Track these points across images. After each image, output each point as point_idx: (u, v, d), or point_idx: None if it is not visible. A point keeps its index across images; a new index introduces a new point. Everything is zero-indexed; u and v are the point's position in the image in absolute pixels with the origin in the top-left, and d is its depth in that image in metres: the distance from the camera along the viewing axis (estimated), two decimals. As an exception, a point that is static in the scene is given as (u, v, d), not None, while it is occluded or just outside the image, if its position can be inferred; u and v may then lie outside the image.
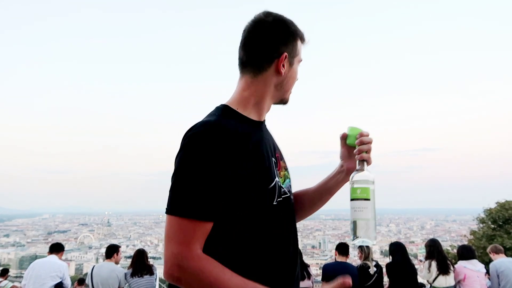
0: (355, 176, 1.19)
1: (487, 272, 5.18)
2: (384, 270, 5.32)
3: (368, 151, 1.24)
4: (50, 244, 5.57)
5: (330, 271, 5.03)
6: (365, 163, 1.22)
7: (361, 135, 1.25)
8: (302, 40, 1.28)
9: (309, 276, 4.94)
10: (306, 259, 5.64)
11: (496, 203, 16.05)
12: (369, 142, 1.25)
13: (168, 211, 1.02)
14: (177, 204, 1.02)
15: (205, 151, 1.03)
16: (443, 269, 4.98)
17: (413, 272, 5.18)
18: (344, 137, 1.32)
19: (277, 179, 1.16)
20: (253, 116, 1.21)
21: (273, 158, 1.19)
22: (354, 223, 1.15)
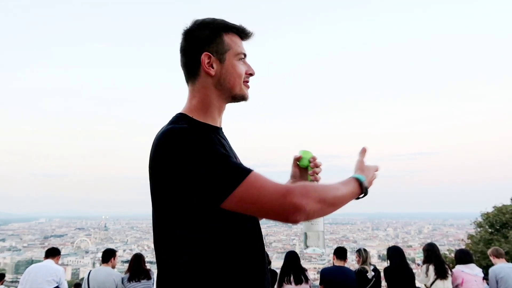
0: None
1: (485, 277, 5.18)
2: (382, 274, 5.31)
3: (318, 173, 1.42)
4: (46, 249, 5.55)
5: (328, 276, 5.02)
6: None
7: (314, 159, 1.43)
8: (234, 33, 1.27)
9: (306, 280, 4.93)
10: (304, 264, 5.63)
11: (494, 207, 16.10)
12: (320, 165, 1.44)
13: (236, 183, 1.00)
14: (237, 173, 1.02)
15: (198, 137, 1.06)
16: (441, 274, 4.97)
17: (411, 276, 5.18)
18: (297, 159, 1.45)
19: None
20: (209, 121, 1.25)
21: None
22: (306, 235, 1.33)
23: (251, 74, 1.30)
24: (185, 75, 1.29)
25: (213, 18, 1.27)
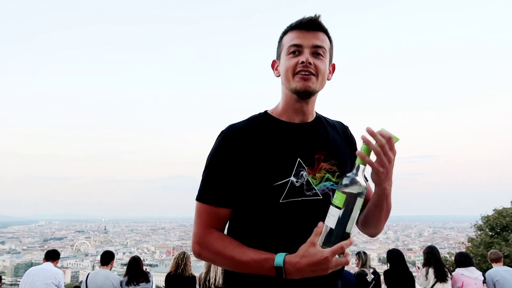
0: (343, 179, 1.11)
1: (485, 280, 5.16)
2: (382, 277, 5.29)
3: (383, 161, 1.10)
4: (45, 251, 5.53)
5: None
6: (362, 168, 1.11)
7: (381, 134, 1.10)
8: (291, 31, 1.31)
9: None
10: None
11: (494, 210, 16.04)
12: (388, 149, 1.10)
13: (197, 197, 1.28)
14: (198, 192, 1.27)
15: (220, 150, 1.26)
16: (441, 277, 4.96)
17: (411, 279, 5.16)
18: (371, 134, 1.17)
19: (292, 178, 1.21)
20: (284, 118, 1.33)
21: (298, 159, 1.24)
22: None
23: (302, 62, 1.23)
24: None
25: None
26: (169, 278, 5.02)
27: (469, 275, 4.97)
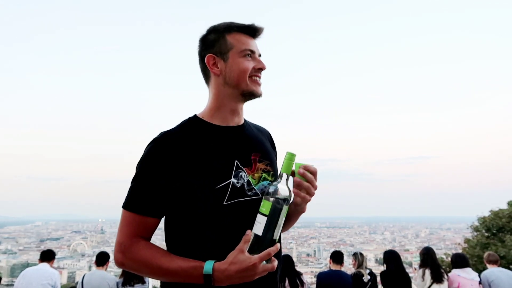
0: (269, 188, 1.18)
1: (481, 281, 5.18)
2: (378, 278, 5.30)
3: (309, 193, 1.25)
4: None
5: (324, 280, 5.01)
6: (286, 176, 1.19)
7: (306, 169, 1.25)
8: (239, 32, 1.32)
9: (302, 284, 4.91)
10: (301, 267, 5.62)
11: (490, 211, 16.09)
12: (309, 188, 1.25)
13: (122, 205, 1.25)
14: (125, 200, 1.24)
15: (150, 158, 1.23)
16: (437, 278, 4.97)
17: (407, 280, 5.17)
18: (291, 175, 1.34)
19: (233, 180, 1.24)
20: (217, 121, 1.33)
21: (236, 160, 1.27)
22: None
23: (260, 69, 1.32)
24: (204, 80, 1.38)
25: (221, 23, 1.33)
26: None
27: (466, 276, 4.99)
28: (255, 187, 1.28)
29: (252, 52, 1.31)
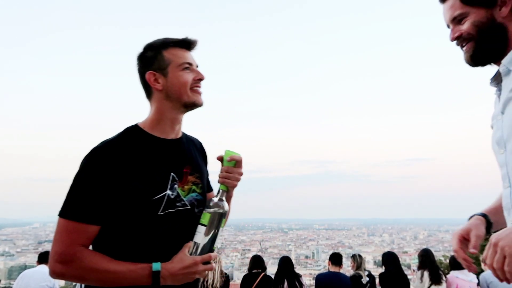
0: (209, 202, 1.34)
1: (480, 283, 5.19)
2: (377, 280, 5.31)
3: (233, 179, 1.38)
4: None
5: (323, 281, 5.01)
6: (224, 193, 1.36)
7: (232, 158, 1.38)
8: (174, 47, 1.38)
9: (301, 286, 4.92)
10: (299, 269, 5.62)
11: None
12: (234, 173, 1.38)
13: (58, 214, 1.25)
14: (62, 208, 1.25)
15: (89, 166, 1.27)
16: (435, 279, 4.98)
17: (406, 282, 5.18)
18: (220, 159, 1.42)
19: (168, 192, 1.31)
20: (157, 133, 1.38)
21: (172, 173, 1.35)
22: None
23: (200, 79, 1.39)
24: (145, 95, 1.44)
25: (156, 40, 1.40)
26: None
27: (464, 278, 5.00)
28: (184, 199, 1.36)
29: (190, 64, 1.38)
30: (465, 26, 1.20)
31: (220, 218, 1.31)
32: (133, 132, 1.37)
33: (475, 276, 5.11)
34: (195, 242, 1.30)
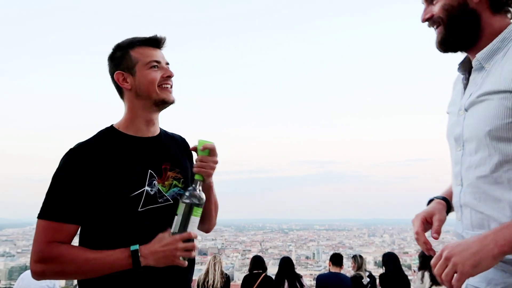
0: (185, 192, 1.34)
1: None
2: (377, 281, 5.31)
3: (207, 167, 1.36)
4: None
5: (323, 282, 5.02)
6: (200, 182, 1.35)
7: (205, 147, 1.37)
8: (141, 46, 1.39)
9: (302, 286, 4.92)
10: (300, 270, 5.63)
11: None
12: (208, 161, 1.36)
13: (37, 216, 1.27)
14: (41, 210, 1.27)
15: (66, 167, 1.30)
16: (436, 280, 4.97)
17: (406, 283, 5.18)
18: (195, 150, 1.41)
19: (147, 188, 1.33)
20: (132, 132, 1.41)
21: (150, 170, 1.36)
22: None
23: (168, 76, 1.40)
24: (119, 95, 1.46)
25: (124, 40, 1.41)
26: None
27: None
28: (166, 194, 1.38)
29: (158, 62, 1.39)
30: (436, 8, 1.16)
31: (192, 207, 1.31)
32: (108, 133, 1.40)
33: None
34: (172, 232, 1.30)
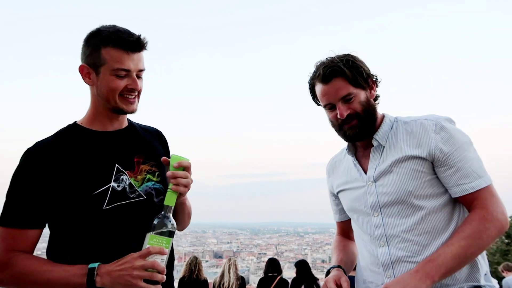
0: (154, 220, 1.18)
1: (501, 288, 5.09)
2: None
3: (186, 184, 1.23)
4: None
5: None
6: (171, 208, 1.20)
7: (179, 164, 1.23)
8: (115, 47, 1.23)
9: (318, 290, 4.88)
10: (316, 274, 5.58)
11: (510, 217, 15.67)
12: (184, 177, 1.22)
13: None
14: (0, 216, 1.21)
15: (24, 169, 1.22)
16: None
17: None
18: (166, 163, 1.27)
19: (112, 184, 1.24)
20: (96, 127, 1.32)
21: (116, 164, 1.28)
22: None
23: (133, 89, 1.28)
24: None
25: (100, 29, 1.27)
26: (182, 282, 5.06)
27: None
28: (138, 189, 1.29)
29: (126, 70, 1.25)
30: (354, 105, 1.40)
31: (166, 238, 1.16)
32: (70, 130, 1.32)
33: (496, 281, 5.00)
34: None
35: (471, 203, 1.31)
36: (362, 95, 1.41)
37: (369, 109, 1.42)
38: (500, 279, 5.47)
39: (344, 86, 1.39)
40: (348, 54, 1.44)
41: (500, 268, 5.63)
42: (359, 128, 1.41)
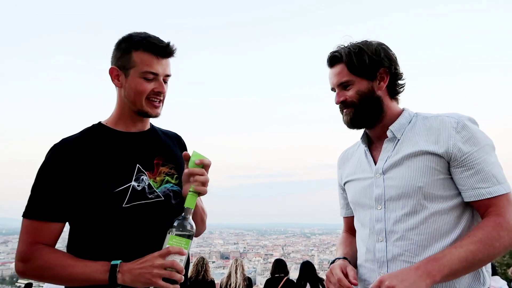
0: (174, 222, 1.19)
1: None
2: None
3: (203, 183, 1.24)
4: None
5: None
6: (191, 210, 1.21)
7: (201, 161, 1.25)
8: (146, 51, 1.30)
9: (325, 291, 4.88)
10: (322, 275, 5.58)
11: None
12: (201, 174, 1.23)
13: (22, 215, 1.25)
14: (25, 209, 1.25)
15: (49, 164, 1.26)
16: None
17: None
18: (186, 158, 1.29)
19: (133, 183, 1.28)
20: (120, 128, 1.38)
21: (137, 164, 1.32)
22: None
23: (159, 92, 1.33)
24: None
25: (132, 35, 1.34)
26: (189, 283, 5.08)
27: (494, 285, 4.86)
28: (157, 190, 1.33)
29: (155, 74, 1.31)
30: (350, 93, 1.39)
31: (186, 237, 1.19)
32: (94, 129, 1.37)
33: (505, 282, 4.98)
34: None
35: (486, 209, 1.23)
36: (363, 84, 1.37)
37: (369, 100, 1.37)
38: (509, 280, 5.42)
39: (343, 73, 1.38)
40: (365, 41, 1.41)
41: (509, 271, 5.57)
42: (354, 117, 1.39)
